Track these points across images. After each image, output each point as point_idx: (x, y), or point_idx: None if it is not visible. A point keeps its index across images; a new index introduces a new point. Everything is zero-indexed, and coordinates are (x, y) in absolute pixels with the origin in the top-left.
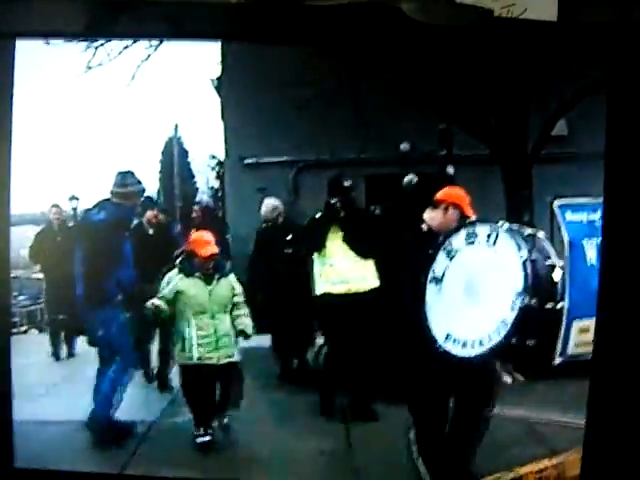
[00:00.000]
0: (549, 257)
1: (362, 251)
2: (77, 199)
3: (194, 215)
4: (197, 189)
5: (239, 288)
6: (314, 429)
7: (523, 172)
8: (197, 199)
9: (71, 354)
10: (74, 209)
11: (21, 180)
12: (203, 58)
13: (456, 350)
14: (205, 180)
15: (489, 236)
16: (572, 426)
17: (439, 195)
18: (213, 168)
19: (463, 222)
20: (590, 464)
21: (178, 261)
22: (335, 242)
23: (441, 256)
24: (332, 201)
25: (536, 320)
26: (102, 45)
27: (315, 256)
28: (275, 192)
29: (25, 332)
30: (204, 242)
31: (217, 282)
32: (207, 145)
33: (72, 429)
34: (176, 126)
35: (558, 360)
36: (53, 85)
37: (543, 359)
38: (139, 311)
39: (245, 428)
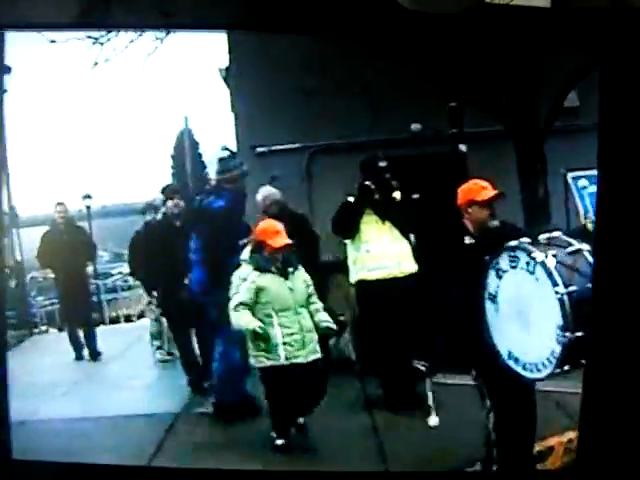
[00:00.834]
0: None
1: (400, 233)
2: (90, 197)
3: None
4: (209, 180)
5: (310, 280)
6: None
7: (536, 146)
8: None
9: (94, 354)
10: (88, 207)
11: (31, 181)
12: (210, 48)
13: (518, 369)
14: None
15: (528, 264)
16: None
17: (464, 197)
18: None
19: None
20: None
21: (247, 255)
22: (370, 226)
23: (492, 274)
24: (366, 183)
25: (585, 346)
26: (108, 40)
27: (348, 242)
28: (288, 179)
29: (46, 331)
30: (274, 232)
31: (294, 275)
32: (218, 136)
33: (96, 425)
34: (186, 118)
35: None
36: (60, 82)
37: None
38: None
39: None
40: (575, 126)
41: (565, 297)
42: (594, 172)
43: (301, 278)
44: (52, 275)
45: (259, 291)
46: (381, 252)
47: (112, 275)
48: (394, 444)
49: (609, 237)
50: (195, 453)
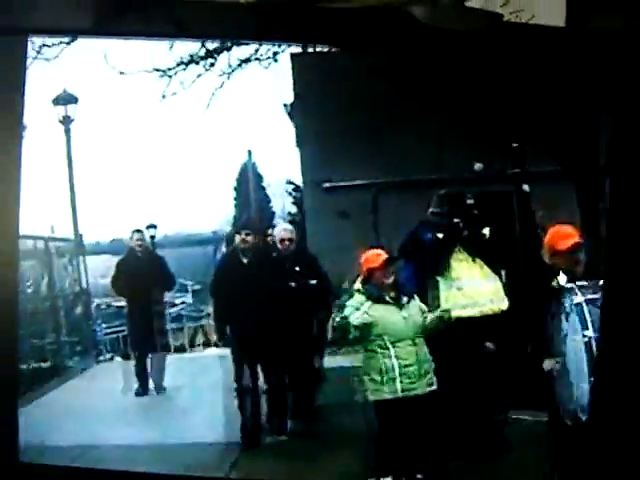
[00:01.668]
0: None
1: (491, 270)
2: (155, 227)
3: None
4: (274, 214)
5: (426, 308)
6: None
7: (597, 185)
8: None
9: (159, 388)
10: (152, 237)
11: (96, 209)
12: (275, 84)
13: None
14: (282, 205)
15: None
16: None
17: (547, 244)
18: (290, 193)
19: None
20: None
21: (359, 285)
22: (461, 263)
23: (563, 316)
24: (455, 220)
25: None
26: (176, 74)
27: (439, 279)
28: (356, 215)
29: (111, 359)
30: (377, 256)
31: (409, 304)
32: (282, 170)
33: (159, 453)
34: (250, 152)
35: None
36: (128, 114)
37: None
38: None
39: None
40: None
41: (592, 342)
42: None
43: (417, 307)
44: (117, 303)
45: (373, 322)
46: (474, 289)
47: (176, 305)
48: None
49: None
50: None
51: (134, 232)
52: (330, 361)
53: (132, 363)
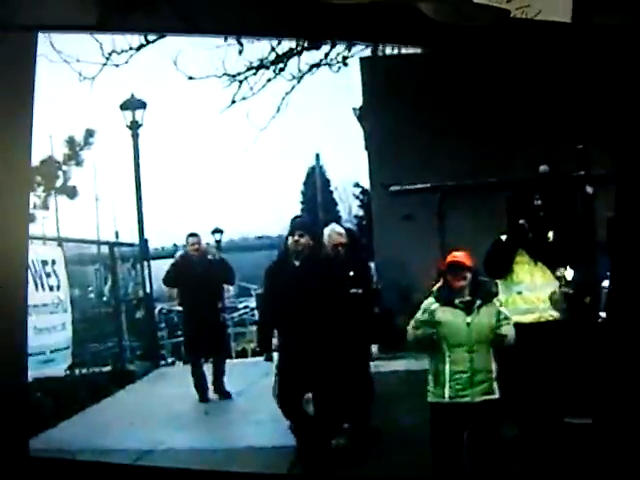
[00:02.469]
0: None
1: (553, 275)
2: (221, 232)
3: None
4: (340, 217)
5: (506, 313)
6: None
7: None
8: None
9: (223, 394)
10: (218, 241)
11: (162, 213)
12: (345, 88)
13: None
14: (348, 209)
15: None
16: None
17: None
18: (357, 197)
19: None
20: None
21: (436, 287)
22: (522, 267)
23: None
24: (520, 222)
25: None
26: (246, 79)
27: (499, 282)
28: (421, 219)
29: (172, 364)
30: (449, 259)
31: (478, 311)
32: (349, 174)
33: (222, 456)
34: (317, 155)
35: None
36: (198, 119)
37: None
38: None
39: None
40: None
41: None
42: None
43: (491, 313)
44: (180, 308)
45: (437, 324)
46: (535, 295)
47: (238, 309)
48: None
49: None
50: None
51: (189, 236)
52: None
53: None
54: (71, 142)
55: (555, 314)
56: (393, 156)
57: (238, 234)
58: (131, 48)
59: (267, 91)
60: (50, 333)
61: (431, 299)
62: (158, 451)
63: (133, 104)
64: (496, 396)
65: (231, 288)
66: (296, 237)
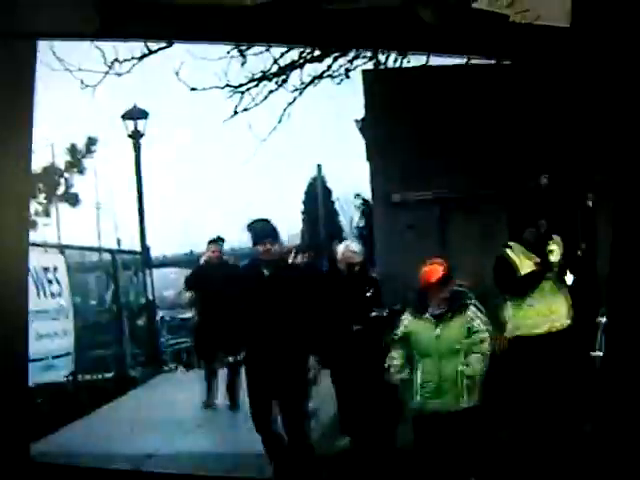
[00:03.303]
0: None
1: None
2: (222, 240)
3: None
4: (341, 228)
5: (479, 324)
6: None
7: None
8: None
9: (235, 402)
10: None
11: (163, 222)
12: (347, 100)
13: None
14: (349, 219)
15: None
16: None
17: None
18: (358, 207)
19: None
20: None
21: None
22: None
23: None
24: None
25: None
26: (248, 90)
27: (508, 297)
28: (423, 229)
29: (174, 370)
30: (429, 272)
31: (448, 322)
32: (351, 184)
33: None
34: (319, 166)
35: None
36: (200, 129)
37: None
38: None
39: None
40: None
41: None
42: None
43: (462, 324)
44: (182, 315)
45: (408, 335)
46: (545, 306)
47: None
48: None
49: None
50: None
51: (210, 243)
52: None
53: (193, 373)
54: (73, 150)
55: (564, 324)
56: (394, 167)
57: (239, 243)
58: (133, 57)
59: (269, 102)
60: (52, 339)
61: (406, 313)
62: (159, 456)
63: (135, 114)
64: (466, 405)
65: None
66: (267, 245)
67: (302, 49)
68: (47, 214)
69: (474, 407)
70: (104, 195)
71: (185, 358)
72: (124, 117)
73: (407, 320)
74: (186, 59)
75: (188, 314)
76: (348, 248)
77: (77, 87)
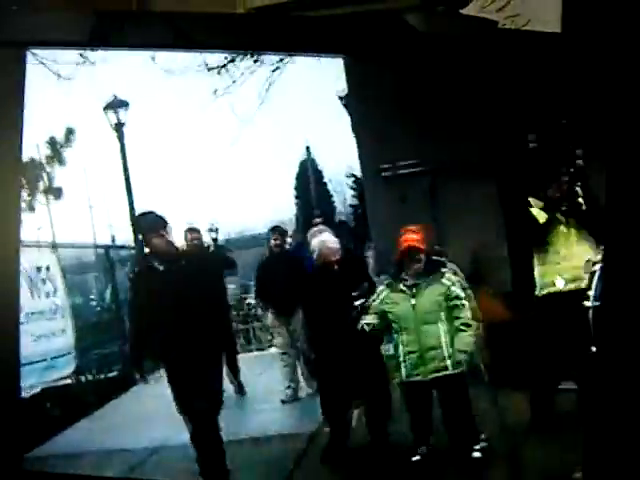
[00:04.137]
0: None
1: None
2: (216, 230)
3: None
4: (335, 209)
5: (457, 290)
6: None
7: None
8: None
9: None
10: (214, 240)
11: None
12: (328, 76)
13: None
14: (342, 200)
15: None
16: None
17: None
18: (351, 187)
19: None
20: None
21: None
22: (559, 238)
23: None
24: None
25: None
26: (227, 70)
27: (535, 256)
28: (415, 201)
29: None
30: (406, 239)
31: (424, 291)
32: (342, 164)
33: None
34: (308, 148)
35: None
36: (180, 114)
37: None
38: None
39: None
40: None
41: None
42: None
43: (438, 291)
44: None
45: (386, 310)
46: (571, 263)
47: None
48: None
49: None
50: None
51: (186, 231)
52: None
53: None
54: (52, 142)
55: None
56: (382, 141)
57: (234, 232)
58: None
59: (250, 82)
60: (49, 340)
61: (382, 285)
62: (167, 447)
63: (115, 104)
64: (451, 372)
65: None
66: (155, 239)
67: None
68: (32, 209)
69: (461, 373)
70: (94, 191)
71: None
72: (105, 109)
73: (383, 294)
74: None
75: None
76: (325, 244)
77: (53, 81)
